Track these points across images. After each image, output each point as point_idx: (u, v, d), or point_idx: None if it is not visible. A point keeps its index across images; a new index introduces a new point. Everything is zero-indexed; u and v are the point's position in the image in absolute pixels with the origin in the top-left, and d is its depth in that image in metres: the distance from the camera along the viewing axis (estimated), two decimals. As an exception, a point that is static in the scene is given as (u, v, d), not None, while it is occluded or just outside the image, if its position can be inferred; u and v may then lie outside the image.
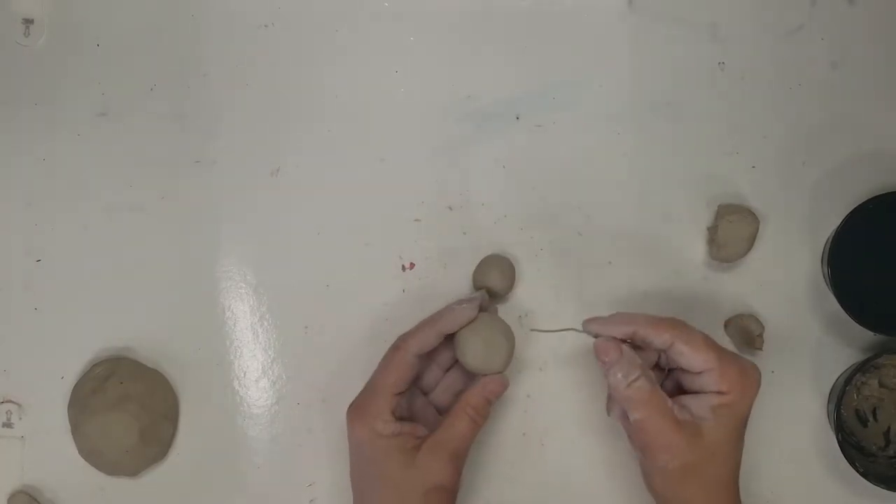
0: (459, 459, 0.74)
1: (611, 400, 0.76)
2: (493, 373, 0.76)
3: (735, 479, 0.72)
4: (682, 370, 0.73)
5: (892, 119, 0.82)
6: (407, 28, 0.83)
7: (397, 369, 0.73)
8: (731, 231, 0.79)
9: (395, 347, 0.74)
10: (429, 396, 0.78)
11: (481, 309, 0.76)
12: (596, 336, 0.73)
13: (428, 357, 0.76)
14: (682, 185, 0.82)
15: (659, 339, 0.71)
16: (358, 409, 0.74)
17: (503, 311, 0.80)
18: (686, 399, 0.72)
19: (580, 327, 0.74)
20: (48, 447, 0.81)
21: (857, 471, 0.76)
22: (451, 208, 0.82)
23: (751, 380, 0.71)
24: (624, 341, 0.72)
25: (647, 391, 0.70)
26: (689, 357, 0.71)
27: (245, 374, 0.82)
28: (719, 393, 0.70)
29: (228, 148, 0.82)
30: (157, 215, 0.82)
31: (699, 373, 0.71)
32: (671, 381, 0.76)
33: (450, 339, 0.76)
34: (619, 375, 0.70)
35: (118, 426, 0.78)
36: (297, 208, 0.82)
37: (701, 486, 0.71)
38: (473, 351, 0.75)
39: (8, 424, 0.81)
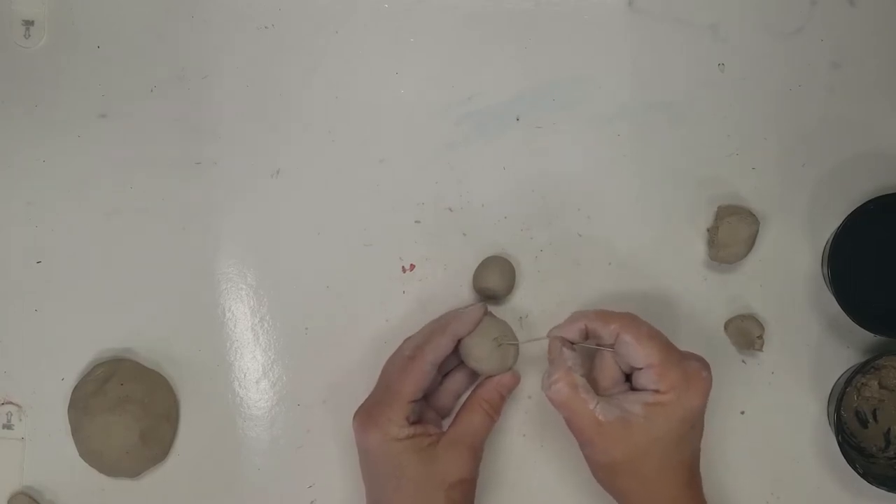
0: (478, 453, 0.75)
1: None
2: (503, 373, 0.77)
3: (679, 475, 0.72)
4: (633, 369, 0.73)
5: (892, 120, 0.82)
6: (407, 29, 0.83)
7: (414, 378, 0.74)
8: (731, 232, 0.79)
9: (412, 357, 0.74)
10: (428, 400, 0.78)
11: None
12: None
13: None
14: (682, 185, 0.82)
15: (606, 330, 0.72)
16: (369, 416, 0.74)
17: (503, 312, 0.80)
18: (621, 397, 0.72)
19: (547, 335, 0.75)
20: (49, 448, 0.81)
21: (857, 472, 0.76)
22: (451, 209, 0.82)
23: (694, 383, 0.71)
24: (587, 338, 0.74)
25: (564, 394, 0.72)
26: (633, 348, 0.71)
27: (245, 376, 0.82)
28: (655, 392, 0.71)
29: (229, 149, 0.82)
30: (158, 216, 0.82)
31: (641, 369, 0.72)
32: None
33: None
34: (545, 375, 0.73)
35: (118, 427, 0.78)
36: (298, 209, 0.82)
37: (635, 479, 0.72)
38: (484, 354, 0.76)
39: (8, 426, 0.81)
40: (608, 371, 0.74)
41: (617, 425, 0.70)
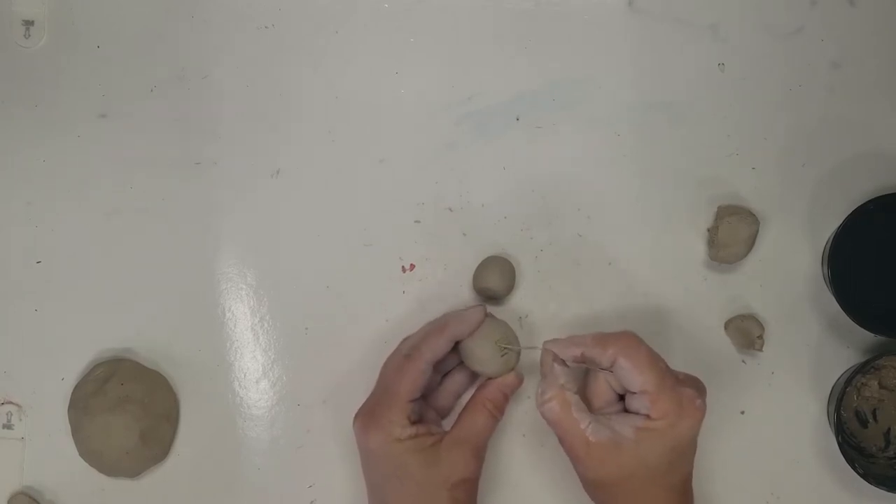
0: (481, 452, 0.76)
1: None
2: (504, 374, 0.77)
3: (666, 499, 0.72)
4: (628, 392, 0.73)
5: (892, 120, 0.82)
6: (407, 29, 0.83)
7: (411, 378, 0.74)
8: (731, 232, 0.79)
9: (409, 357, 0.74)
10: (428, 400, 0.78)
11: None
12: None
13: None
14: (682, 185, 0.82)
15: (604, 356, 0.72)
16: (371, 417, 0.74)
17: (503, 312, 0.80)
18: (614, 418, 0.72)
19: (541, 346, 0.75)
20: (49, 448, 0.81)
21: (857, 472, 0.76)
22: (451, 209, 0.82)
23: (687, 412, 0.71)
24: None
25: (556, 412, 0.72)
26: (629, 374, 0.71)
27: (245, 376, 0.82)
28: (647, 417, 0.71)
29: (229, 149, 0.82)
30: (158, 216, 0.82)
31: (635, 393, 0.72)
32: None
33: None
34: (539, 391, 0.73)
35: (118, 427, 0.78)
36: (298, 209, 0.82)
37: (623, 498, 0.72)
38: (486, 356, 0.76)
39: (8, 426, 0.81)
40: (601, 392, 0.74)
41: (606, 446, 0.71)
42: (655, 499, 0.72)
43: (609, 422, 0.72)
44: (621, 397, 0.74)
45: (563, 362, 0.74)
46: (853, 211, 0.76)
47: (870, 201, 0.76)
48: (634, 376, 0.71)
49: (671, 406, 0.70)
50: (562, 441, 0.73)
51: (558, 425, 0.72)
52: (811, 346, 0.81)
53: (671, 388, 0.71)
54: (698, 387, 0.73)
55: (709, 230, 0.81)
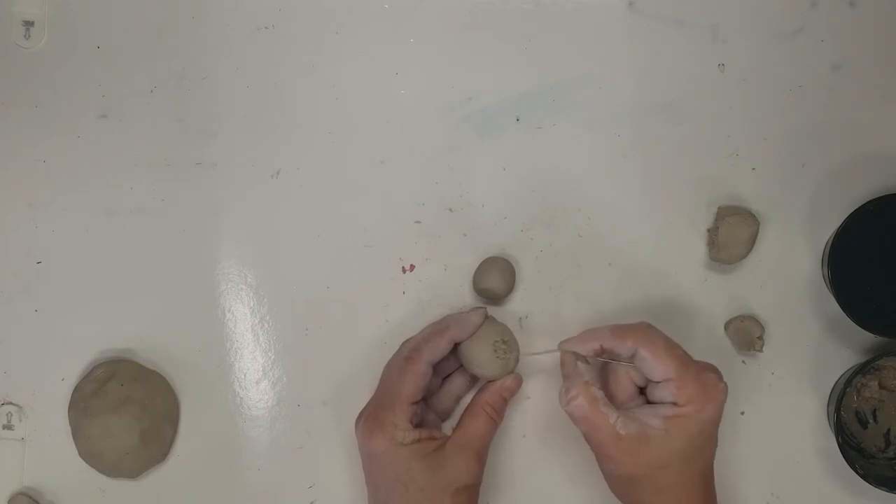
0: (483, 457, 0.75)
1: None
2: (505, 377, 0.77)
3: (696, 485, 0.72)
4: (650, 382, 0.73)
5: (892, 121, 0.82)
6: (407, 30, 0.83)
7: (413, 380, 0.74)
8: (732, 233, 0.79)
9: (409, 359, 0.75)
10: (428, 403, 0.78)
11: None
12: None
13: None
14: (682, 186, 0.82)
15: (623, 347, 0.72)
16: (374, 420, 0.74)
17: (503, 313, 0.80)
18: (639, 410, 0.72)
19: (558, 347, 0.75)
20: (49, 449, 0.81)
21: (857, 472, 0.76)
22: (451, 210, 0.82)
23: (711, 395, 0.71)
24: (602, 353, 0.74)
25: (584, 409, 0.72)
26: (650, 363, 0.71)
27: (245, 376, 0.82)
28: (674, 405, 0.71)
29: (229, 150, 0.82)
30: (158, 217, 0.82)
31: (658, 382, 0.72)
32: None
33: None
34: (563, 390, 0.73)
35: (119, 428, 0.78)
36: (298, 210, 0.82)
37: (653, 492, 0.72)
38: (485, 359, 0.76)
39: (8, 426, 0.81)
40: (623, 387, 0.74)
41: (637, 439, 0.71)
42: (685, 486, 0.72)
43: (635, 415, 0.72)
44: (641, 391, 0.75)
45: (585, 359, 0.74)
46: (853, 211, 0.76)
47: (869, 202, 0.76)
48: (656, 365, 0.71)
49: (696, 390, 0.71)
50: (589, 438, 0.72)
51: (586, 422, 0.72)
52: (811, 346, 0.82)
53: (694, 374, 0.71)
54: (717, 371, 0.74)
55: (709, 230, 0.81)
